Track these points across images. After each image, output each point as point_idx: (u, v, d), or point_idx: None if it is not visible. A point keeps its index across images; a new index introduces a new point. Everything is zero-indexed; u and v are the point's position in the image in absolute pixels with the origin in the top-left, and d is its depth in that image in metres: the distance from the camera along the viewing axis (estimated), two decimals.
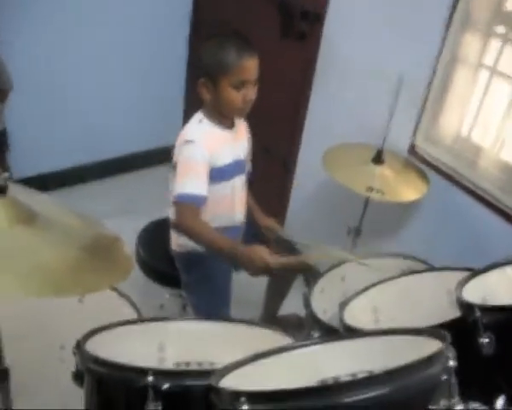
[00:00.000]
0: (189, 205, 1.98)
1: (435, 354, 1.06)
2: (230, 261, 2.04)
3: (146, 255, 2.33)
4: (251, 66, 1.96)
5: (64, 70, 3.23)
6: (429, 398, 1.05)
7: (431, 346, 1.12)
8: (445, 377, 1.06)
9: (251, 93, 1.99)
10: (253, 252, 1.90)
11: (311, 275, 2.35)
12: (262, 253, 1.89)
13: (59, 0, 3.05)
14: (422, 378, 1.03)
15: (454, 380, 1.08)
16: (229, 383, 1.16)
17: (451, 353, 1.09)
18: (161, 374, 1.25)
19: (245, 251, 1.91)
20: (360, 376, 1.09)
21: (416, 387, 1.03)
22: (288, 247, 2.31)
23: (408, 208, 2.51)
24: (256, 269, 1.91)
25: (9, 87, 2.81)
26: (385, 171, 2.36)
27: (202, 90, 2.01)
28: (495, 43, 2.24)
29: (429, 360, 1.04)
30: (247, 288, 2.58)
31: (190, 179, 1.97)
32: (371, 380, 1.01)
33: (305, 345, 1.31)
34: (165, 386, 1.23)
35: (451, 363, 1.08)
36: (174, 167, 2.04)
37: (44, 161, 3.33)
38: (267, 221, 2.35)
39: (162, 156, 3.58)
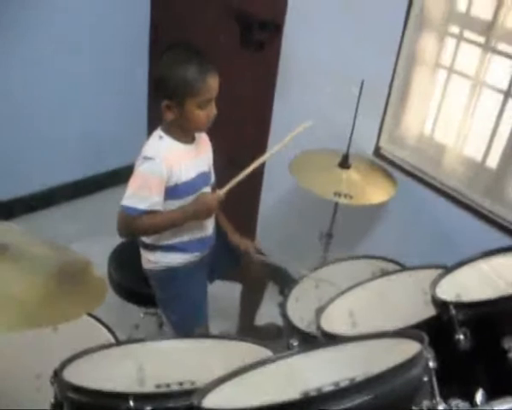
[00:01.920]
0: (133, 216, 1.98)
1: (415, 357, 1.07)
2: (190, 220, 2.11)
3: (118, 276, 2.30)
4: (215, 84, 1.97)
5: (27, 93, 3.19)
6: (412, 400, 1.06)
7: (410, 348, 1.14)
8: (425, 378, 1.07)
9: (214, 109, 2.01)
10: (201, 199, 2.07)
11: (285, 283, 2.36)
12: (207, 195, 2.11)
13: (20, 22, 3.03)
14: (404, 382, 1.04)
15: (435, 381, 1.09)
16: (212, 401, 1.15)
17: (430, 354, 1.10)
18: (142, 398, 1.24)
19: (194, 205, 2.06)
20: (343, 384, 1.10)
21: (399, 391, 1.03)
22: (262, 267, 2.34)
23: (377, 210, 2.53)
24: (211, 209, 2.08)
25: None
26: (352, 175, 2.38)
27: (167, 111, 1.98)
28: (450, 43, 2.28)
29: (410, 363, 1.05)
30: (222, 299, 2.57)
31: (143, 195, 1.97)
32: (354, 388, 1.01)
33: (285, 356, 1.31)
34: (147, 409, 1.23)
35: (431, 364, 1.09)
36: None
37: (8, 186, 3.27)
38: (241, 242, 2.34)
39: (127, 175, 3.55)
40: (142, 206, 1.96)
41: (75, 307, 1.25)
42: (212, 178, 2.26)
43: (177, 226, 2.08)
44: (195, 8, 3.21)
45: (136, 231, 2.07)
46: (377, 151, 2.53)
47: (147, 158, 1.98)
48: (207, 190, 2.19)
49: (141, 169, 1.99)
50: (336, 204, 2.45)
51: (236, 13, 2.89)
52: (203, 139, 2.20)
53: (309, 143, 2.43)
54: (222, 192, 2.08)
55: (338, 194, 2.26)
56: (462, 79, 2.26)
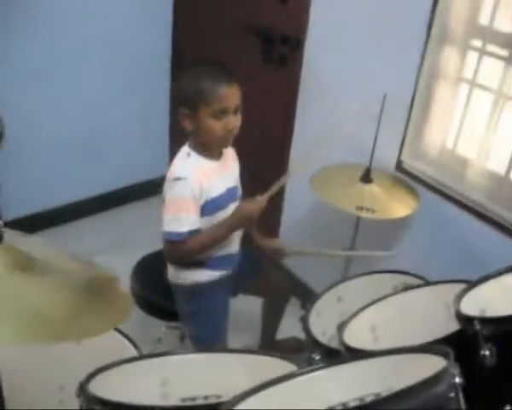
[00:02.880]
0: (179, 241, 2.00)
1: (441, 372, 1.06)
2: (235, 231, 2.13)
3: (141, 289, 2.31)
4: (229, 94, 1.95)
5: (50, 109, 3.23)
6: None
7: (435, 363, 1.13)
8: (452, 394, 1.06)
9: (232, 122, 1.97)
10: (243, 209, 2.06)
11: (307, 297, 2.36)
12: (247, 203, 2.06)
13: (45, 41, 3.09)
14: (430, 398, 1.03)
15: (462, 397, 1.08)
16: None
17: (456, 369, 1.09)
18: None
19: (236, 216, 2.05)
20: (368, 400, 1.09)
21: (424, 407, 1.02)
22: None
23: (399, 224, 2.52)
24: (253, 217, 2.05)
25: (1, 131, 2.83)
26: (374, 189, 2.38)
27: (183, 120, 2.00)
28: (473, 56, 2.28)
29: (436, 379, 1.04)
30: (243, 313, 2.58)
31: (182, 218, 1.98)
32: (379, 404, 1.01)
33: (311, 371, 1.30)
34: None
35: (457, 380, 1.08)
36: (164, 202, 2.05)
37: (33, 200, 3.32)
38: (269, 242, 2.36)
39: (150, 189, 3.59)
40: (184, 228, 1.98)
41: (101, 323, 1.26)
42: (239, 192, 2.27)
43: (222, 242, 2.10)
44: (217, 24, 3.24)
45: (183, 255, 2.08)
46: (399, 165, 2.53)
47: (177, 179, 1.98)
48: (236, 204, 2.17)
49: (174, 192, 1.99)
50: (358, 218, 2.45)
51: (258, 28, 2.91)
52: (230, 154, 2.19)
53: (330, 157, 2.43)
54: (263, 197, 2.05)
55: (360, 208, 2.26)
56: (485, 93, 2.25)
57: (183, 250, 2.03)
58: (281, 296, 2.56)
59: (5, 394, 1.44)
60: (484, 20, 2.20)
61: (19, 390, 1.62)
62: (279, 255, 2.42)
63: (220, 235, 2.08)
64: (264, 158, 3.10)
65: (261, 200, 2.04)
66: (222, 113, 1.95)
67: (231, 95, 1.96)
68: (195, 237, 2.01)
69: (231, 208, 2.13)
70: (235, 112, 1.99)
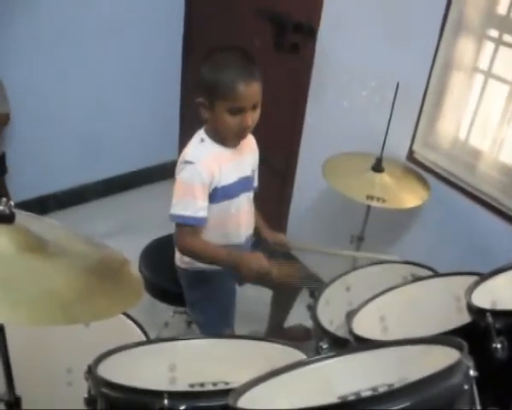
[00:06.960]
0: (187, 226, 2.00)
1: (456, 364, 1.05)
2: (230, 270, 2.09)
3: (149, 274, 2.31)
4: (248, 93, 1.89)
5: (60, 91, 3.23)
6: (451, 408, 1.04)
7: (449, 355, 1.12)
8: (466, 386, 1.05)
9: (248, 119, 1.93)
10: (252, 259, 2.02)
11: (316, 286, 2.35)
12: (260, 260, 2.02)
13: (55, 24, 3.08)
14: (444, 389, 1.01)
15: (475, 389, 1.07)
16: (248, 402, 1.14)
17: (471, 362, 1.08)
18: (177, 396, 1.24)
19: (244, 259, 2.02)
20: (381, 390, 1.08)
21: (439, 398, 1.01)
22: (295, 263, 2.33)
23: (410, 215, 2.51)
24: (255, 275, 2.03)
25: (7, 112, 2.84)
26: (385, 178, 2.36)
27: (199, 108, 1.97)
28: (489, 47, 2.25)
29: (450, 371, 1.03)
30: (251, 302, 2.57)
31: (187, 201, 1.97)
32: (393, 394, 0.99)
33: (322, 359, 1.29)
34: (182, 408, 1.22)
35: (472, 372, 1.07)
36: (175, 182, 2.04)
37: (43, 182, 3.33)
38: (275, 236, 2.35)
39: (160, 173, 3.60)
40: (188, 212, 1.97)
41: (112, 305, 1.25)
42: (255, 183, 2.25)
43: (218, 263, 2.08)
44: (230, 8, 3.22)
45: (186, 243, 2.06)
46: (411, 155, 2.51)
47: (187, 162, 1.97)
48: (248, 195, 2.17)
49: (183, 175, 1.98)
50: (368, 207, 2.44)
51: (271, 14, 2.89)
52: (249, 142, 2.15)
53: (342, 146, 2.42)
54: (274, 268, 2.04)
55: (371, 197, 2.25)
56: (500, 84, 2.23)
57: (186, 237, 2.03)
58: (292, 290, 2.54)
59: (14, 375, 1.43)
60: (501, 9, 2.17)
61: (27, 372, 1.62)
62: (283, 249, 2.40)
63: (220, 257, 2.05)
64: (274, 146, 3.08)
65: (272, 269, 2.03)
66: (238, 110, 1.91)
67: (250, 94, 1.91)
68: (204, 242, 2.04)
69: (242, 198, 2.12)
70: (254, 108, 1.95)
